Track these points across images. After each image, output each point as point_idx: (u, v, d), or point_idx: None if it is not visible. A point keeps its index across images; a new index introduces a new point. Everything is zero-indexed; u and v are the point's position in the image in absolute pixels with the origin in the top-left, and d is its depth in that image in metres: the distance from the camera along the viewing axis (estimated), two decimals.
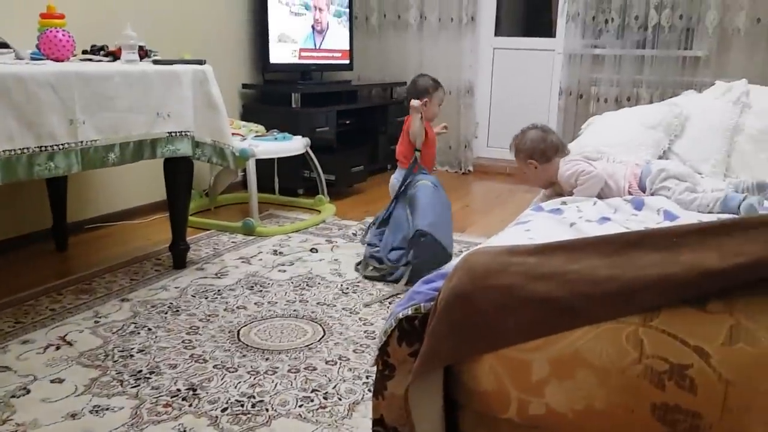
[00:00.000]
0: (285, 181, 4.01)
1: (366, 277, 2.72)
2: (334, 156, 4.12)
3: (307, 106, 4.13)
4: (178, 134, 2.46)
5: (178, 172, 2.62)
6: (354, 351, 2.08)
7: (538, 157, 2.26)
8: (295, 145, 3.56)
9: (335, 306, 2.43)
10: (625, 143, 2.40)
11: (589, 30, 4.53)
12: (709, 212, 1.76)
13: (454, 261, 1.30)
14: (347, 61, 4.92)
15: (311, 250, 3.07)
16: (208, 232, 3.34)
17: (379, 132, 4.92)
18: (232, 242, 3.19)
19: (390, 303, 2.47)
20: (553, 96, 4.90)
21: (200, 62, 2.63)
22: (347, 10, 4.85)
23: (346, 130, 4.64)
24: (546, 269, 0.96)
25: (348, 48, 4.91)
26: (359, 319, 2.32)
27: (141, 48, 2.60)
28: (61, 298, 2.45)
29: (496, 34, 5.12)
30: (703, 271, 0.90)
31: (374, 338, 2.17)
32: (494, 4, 5.05)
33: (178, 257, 2.78)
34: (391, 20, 5.16)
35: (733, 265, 0.90)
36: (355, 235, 3.30)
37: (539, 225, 1.57)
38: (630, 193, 2.00)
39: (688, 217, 1.61)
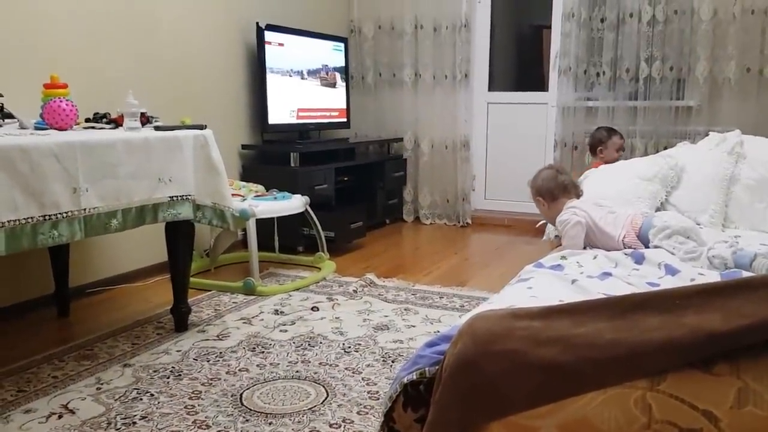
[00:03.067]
0: (284, 238, 4.02)
1: None
2: (333, 213, 4.15)
3: (306, 164, 4.18)
4: (179, 198, 2.49)
5: (179, 235, 2.64)
6: (358, 413, 2.05)
7: (545, 195, 2.32)
8: (294, 203, 3.59)
9: (338, 366, 2.41)
10: (623, 195, 2.42)
11: (581, 83, 4.63)
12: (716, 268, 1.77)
13: (458, 323, 1.30)
14: (344, 119, 4.99)
15: (312, 308, 3.06)
16: (209, 292, 3.33)
17: (378, 188, 4.96)
18: (233, 302, 3.18)
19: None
20: (548, 147, 4.97)
21: (201, 127, 2.67)
22: (343, 69, 4.95)
23: (345, 187, 4.68)
24: (551, 333, 0.96)
25: (345, 106, 4.99)
26: (362, 379, 2.30)
27: (142, 114, 2.65)
28: (63, 365, 2.43)
29: (489, 89, 5.22)
30: (708, 334, 0.91)
31: (378, 399, 2.15)
32: (487, 60, 5.16)
33: (180, 320, 2.77)
34: (387, 79, 5.26)
35: (737, 327, 0.90)
36: (355, 291, 3.30)
37: (541, 282, 1.58)
38: (625, 244, 2.01)
39: (688, 271, 1.62)
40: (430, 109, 5.14)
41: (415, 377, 1.12)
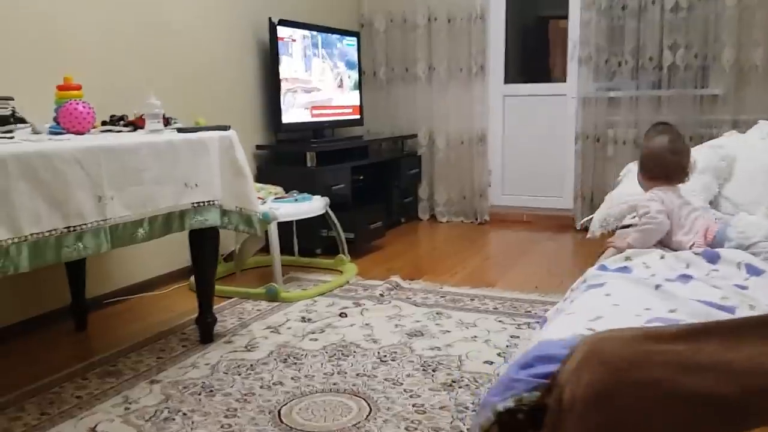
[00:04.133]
0: (303, 240, 3.90)
1: None
2: (352, 213, 4.02)
3: (322, 164, 4.05)
4: (206, 204, 2.36)
5: (205, 242, 2.51)
6: (406, 429, 1.93)
7: (643, 169, 2.10)
8: (315, 205, 3.46)
9: (376, 377, 2.29)
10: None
11: (602, 73, 4.50)
12: None
13: (549, 339, 1.18)
14: (358, 116, 4.86)
15: (340, 314, 2.93)
16: (230, 300, 3.20)
17: (393, 186, 4.84)
18: (257, 310, 3.05)
19: None
20: (567, 140, 4.84)
21: (224, 128, 2.55)
22: (356, 65, 4.81)
23: (360, 186, 4.55)
24: (702, 358, 0.84)
25: (358, 103, 4.86)
26: (404, 390, 2.17)
27: (162, 116, 2.51)
28: (86, 383, 2.30)
29: (505, 82, 5.09)
30: None
31: (423, 413, 2.02)
32: (503, 51, 5.03)
33: (206, 331, 2.64)
34: (399, 73, 5.13)
35: None
36: (381, 296, 3.17)
37: (618, 288, 1.45)
38: (689, 247, 1.88)
39: None
40: (445, 103, 5.01)
41: (511, 405, 0.99)
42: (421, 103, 5.07)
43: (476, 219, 5.03)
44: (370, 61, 5.14)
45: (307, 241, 3.93)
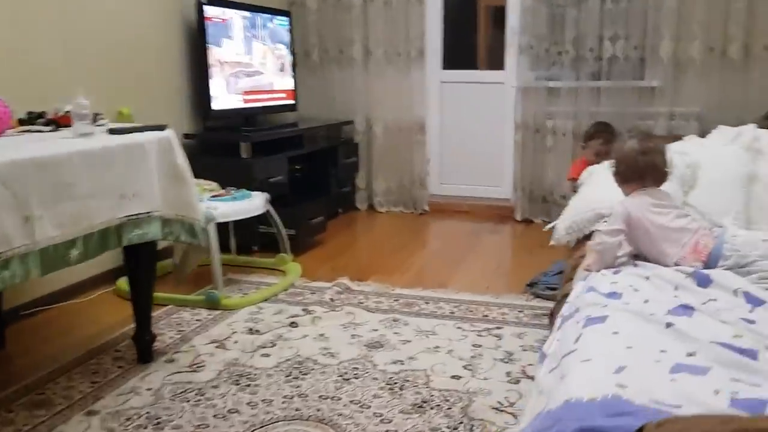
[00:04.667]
0: (239, 236, 3.67)
1: (539, 296, 3.02)
2: (291, 208, 3.80)
3: (258, 155, 3.81)
4: (145, 216, 2.12)
5: (143, 256, 2.27)
6: None
7: (617, 172, 2.02)
8: (256, 203, 3.24)
9: (340, 399, 2.13)
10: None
11: (543, 62, 4.45)
12: None
13: (578, 398, 1.06)
14: (292, 101, 4.62)
15: (291, 324, 2.75)
16: (165, 308, 2.95)
17: (330, 175, 4.65)
18: (197, 320, 2.83)
19: None
20: (506, 129, 4.79)
21: (161, 128, 2.29)
22: (288, 47, 4.55)
23: (298, 177, 4.35)
24: None
25: (293, 87, 4.61)
26: (374, 414, 2.03)
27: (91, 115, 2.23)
28: (12, 417, 2.04)
29: (444, 67, 4.97)
30: None
31: None
32: (441, 36, 4.89)
33: (144, 350, 2.41)
34: (334, 56, 4.91)
35: None
36: (332, 300, 3.01)
37: (625, 326, 1.35)
38: (676, 264, 1.81)
39: None
40: (383, 89, 4.85)
41: None
42: (358, 88, 4.88)
43: (416, 209, 4.92)
44: (302, 42, 4.89)
45: (243, 237, 3.70)
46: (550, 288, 3.04)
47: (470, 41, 5.21)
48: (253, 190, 3.39)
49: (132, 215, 2.07)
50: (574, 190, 3.34)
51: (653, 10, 4.15)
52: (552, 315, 2.13)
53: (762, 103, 4.07)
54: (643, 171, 1.97)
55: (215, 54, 3.79)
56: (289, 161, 4.09)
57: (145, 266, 2.29)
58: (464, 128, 4.96)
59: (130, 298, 2.39)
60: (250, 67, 4.14)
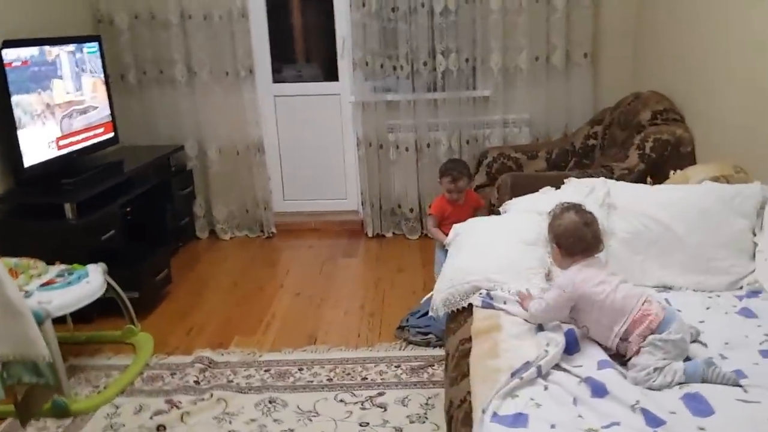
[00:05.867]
0: None
1: (411, 342, 3.03)
2: (131, 267, 3.43)
3: (85, 213, 3.38)
4: None
5: None
6: None
7: (563, 248, 1.98)
8: (95, 283, 2.86)
9: None
10: (512, 266, 2.26)
11: (379, 77, 4.38)
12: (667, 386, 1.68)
13: None
14: (112, 134, 4.16)
15: (157, 429, 2.50)
16: (3, 423, 2.56)
17: (167, 211, 4.29)
18: None
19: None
20: (347, 141, 4.70)
21: None
22: (101, 69, 4.06)
23: (131, 223, 3.96)
24: None
25: (110, 119, 4.14)
26: None
27: None
28: None
29: (274, 81, 4.73)
30: None
31: None
32: (268, 49, 4.63)
33: None
34: (154, 77, 4.48)
35: None
36: (197, 383, 2.77)
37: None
38: (625, 339, 1.79)
39: (676, 423, 1.50)
40: (213, 110, 4.52)
41: None
42: (185, 111, 4.51)
43: (263, 232, 4.70)
44: (116, 64, 4.40)
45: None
46: (421, 333, 3.04)
47: (301, 53, 4.99)
48: (83, 257, 3.01)
49: None
50: (436, 226, 3.34)
51: (480, 23, 4.21)
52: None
53: (584, 108, 4.34)
54: (589, 243, 1.95)
55: (58, 96, 3.34)
56: (121, 208, 3.71)
57: None
58: (303, 142, 4.79)
59: None
60: (82, 103, 3.71)
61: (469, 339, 2.07)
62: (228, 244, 4.62)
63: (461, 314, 2.27)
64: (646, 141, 3.41)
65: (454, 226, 2.61)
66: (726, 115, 3.10)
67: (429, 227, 3.41)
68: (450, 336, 2.26)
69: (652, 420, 1.52)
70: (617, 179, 3.39)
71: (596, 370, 1.73)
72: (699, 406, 1.57)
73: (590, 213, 2.03)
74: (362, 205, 4.61)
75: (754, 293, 2.14)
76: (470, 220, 2.64)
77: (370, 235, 4.58)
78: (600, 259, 2.02)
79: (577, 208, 2.03)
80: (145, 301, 3.45)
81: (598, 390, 1.65)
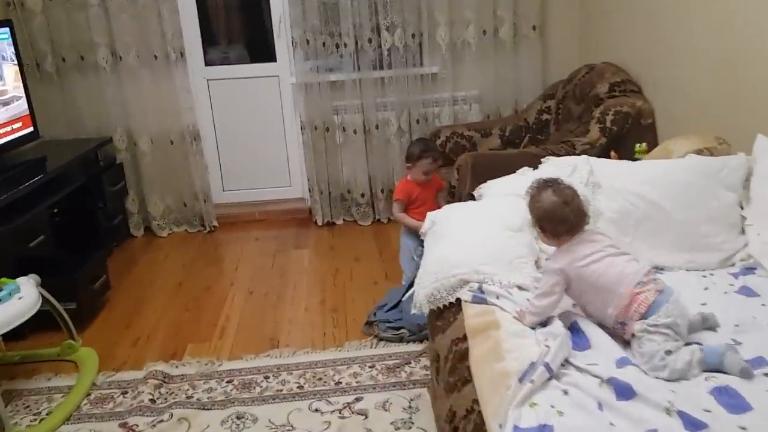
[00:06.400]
0: None
1: (382, 338, 2.83)
2: (66, 274, 3.11)
3: (9, 219, 3.03)
4: None
5: None
6: None
7: (546, 230, 1.86)
8: (29, 296, 2.56)
9: None
10: (500, 256, 2.10)
11: (322, 56, 4.13)
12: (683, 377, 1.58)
13: None
14: (31, 129, 3.76)
15: None
16: None
17: (97, 210, 3.94)
18: None
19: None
20: (288, 124, 4.45)
21: None
22: (14, 57, 3.65)
23: (60, 224, 3.59)
24: None
25: (27, 111, 3.74)
26: None
27: None
28: None
29: (206, 64, 4.41)
30: None
31: None
32: (198, 29, 4.30)
33: None
34: (74, 63, 4.09)
35: None
36: (153, 402, 2.51)
37: None
38: (621, 323, 1.70)
39: (716, 425, 1.39)
40: (142, 97, 4.17)
41: None
42: (111, 99, 4.14)
43: (204, 227, 4.41)
44: (30, 51, 3.99)
45: None
46: (392, 328, 2.87)
47: (234, 33, 4.67)
48: (11, 269, 2.70)
49: None
50: (403, 211, 3.17)
51: None
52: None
53: (533, 83, 4.24)
54: (573, 222, 1.83)
55: None
56: (47, 210, 3.36)
57: None
58: (241, 128, 4.50)
59: None
60: (11, 92, 3.33)
61: (463, 338, 1.91)
62: (166, 242, 4.30)
63: (447, 310, 2.10)
64: (606, 114, 3.34)
65: (429, 214, 2.42)
66: (686, 85, 3.05)
67: (395, 213, 3.23)
68: (438, 335, 2.09)
69: (692, 424, 1.40)
70: (579, 155, 3.35)
71: (616, 369, 1.60)
72: (733, 402, 1.46)
73: (569, 188, 1.89)
74: (309, 192, 4.37)
75: (749, 270, 2.06)
76: (446, 207, 2.46)
77: (319, 223, 4.35)
78: (589, 230, 1.89)
79: (554, 186, 1.89)
80: (84, 311, 3.14)
81: (624, 392, 1.52)
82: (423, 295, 2.15)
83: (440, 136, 3.97)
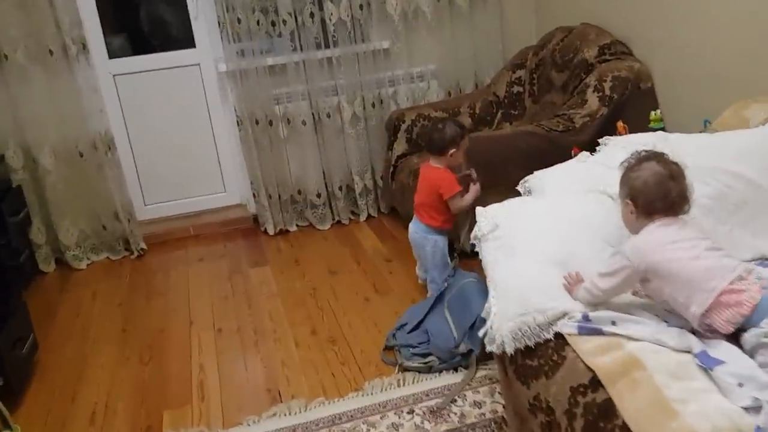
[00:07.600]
0: None
1: (407, 369, 2.36)
2: None
3: None
4: None
5: None
6: None
7: (640, 204, 1.56)
8: None
9: None
10: (583, 256, 1.71)
11: (256, 37, 3.51)
12: None
13: None
14: None
15: None
16: None
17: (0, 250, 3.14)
18: None
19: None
20: (216, 122, 3.82)
21: None
22: None
23: None
24: None
25: None
26: None
27: None
28: None
29: (110, 57, 3.67)
30: None
31: None
32: (96, 15, 3.55)
33: None
34: None
35: None
36: None
37: None
38: (708, 325, 1.40)
39: None
40: (37, 102, 3.39)
41: None
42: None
43: (131, 252, 3.69)
44: None
45: None
46: (417, 355, 2.40)
47: (140, 16, 3.93)
48: None
49: None
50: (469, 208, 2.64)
51: None
52: None
53: (492, 52, 3.86)
54: (673, 200, 1.55)
55: None
56: None
57: None
58: (159, 130, 3.82)
59: None
60: None
61: (590, 385, 1.48)
62: (87, 275, 3.56)
63: (543, 346, 1.66)
64: (603, 80, 3.01)
65: (484, 211, 1.93)
66: (693, 43, 2.76)
67: (462, 204, 2.66)
68: (534, 380, 1.64)
69: None
70: (579, 129, 3.01)
71: None
72: None
73: (676, 164, 1.60)
74: (254, 196, 3.76)
75: None
76: (505, 205, 1.95)
77: (270, 232, 3.76)
78: (683, 219, 1.58)
79: (659, 157, 1.62)
80: (14, 385, 2.42)
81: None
82: (507, 330, 1.69)
83: (405, 120, 3.51)
